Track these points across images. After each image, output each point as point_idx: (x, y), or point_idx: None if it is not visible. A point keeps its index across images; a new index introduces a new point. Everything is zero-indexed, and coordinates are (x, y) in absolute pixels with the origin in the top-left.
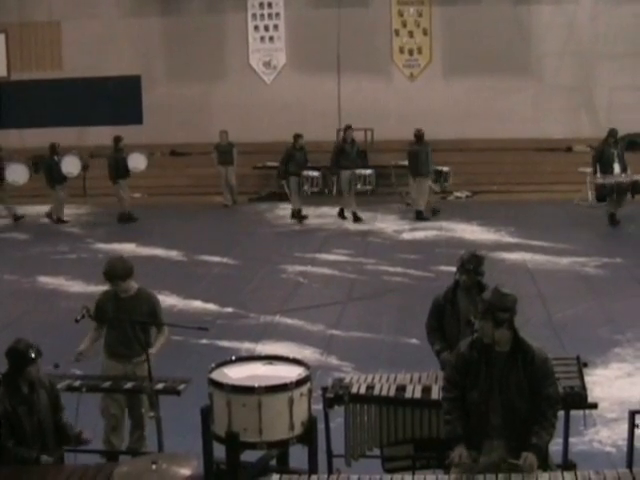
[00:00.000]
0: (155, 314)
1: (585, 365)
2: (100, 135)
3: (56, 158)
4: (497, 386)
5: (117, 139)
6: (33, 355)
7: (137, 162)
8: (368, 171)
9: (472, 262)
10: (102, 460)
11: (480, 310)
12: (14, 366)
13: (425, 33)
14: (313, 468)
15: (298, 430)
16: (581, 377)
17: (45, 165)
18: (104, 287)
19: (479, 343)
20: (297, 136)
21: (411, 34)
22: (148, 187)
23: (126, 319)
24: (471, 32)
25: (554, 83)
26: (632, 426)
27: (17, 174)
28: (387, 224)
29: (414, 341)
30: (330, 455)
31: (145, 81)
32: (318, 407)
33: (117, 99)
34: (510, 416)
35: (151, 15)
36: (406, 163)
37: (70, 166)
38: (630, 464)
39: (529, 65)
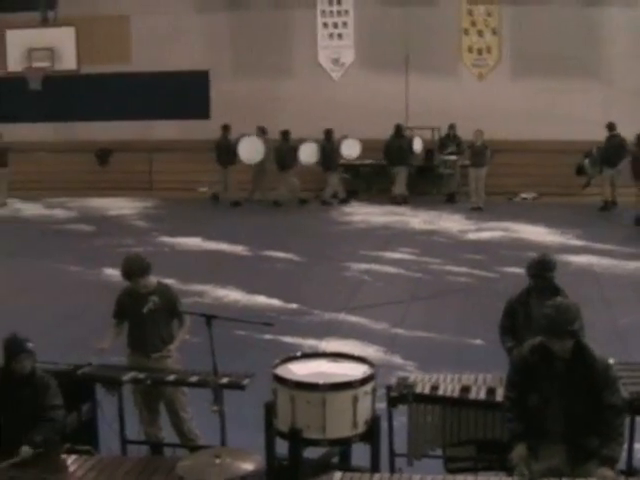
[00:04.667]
0: (175, 307)
1: None
2: (166, 129)
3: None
4: (557, 391)
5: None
6: (17, 351)
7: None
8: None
9: (536, 267)
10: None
11: (552, 330)
12: (4, 359)
13: (494, 33)
14: (375, 467)
15: (361, 428)
16: None
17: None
18: (168, 280)
19: (541, 347)
20: None
21: (480, 33)
22: (214, 182)
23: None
24: (540, 33)
25: (623, 86)
26: None
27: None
28: (452, 224)
29: (478, 342)
30: (392, 454)
31: (213, 76)
32: (381, 406)
33: (184, 93)
34: (570, 422)
35: (219, 10)
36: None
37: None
38: None
39: (598, 67)
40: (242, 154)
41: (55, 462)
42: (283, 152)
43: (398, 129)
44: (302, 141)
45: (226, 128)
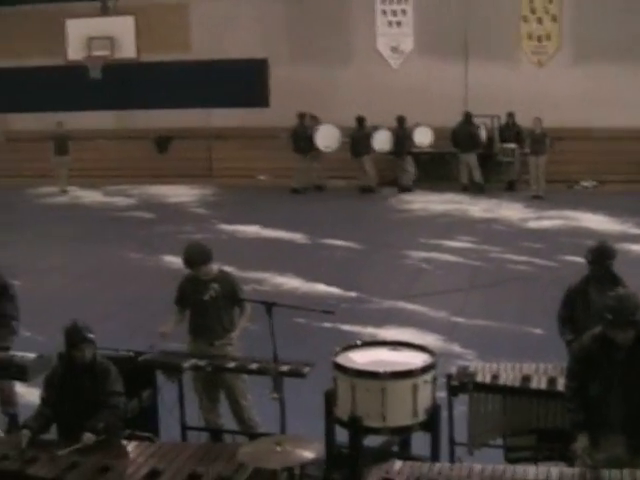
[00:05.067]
0: (236, 295)
1: None
2: (225, 117)
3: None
4: (618, 380)
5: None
6: (78, 339)
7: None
8: None
9: (595, 254)
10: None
11: (615, 321)
12: (66, 346)
13: (554, 19)
14: (435, 456)
15: (421, 417)
16: None
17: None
18: (227, 267)
19: (602, 337)
20: None
21: (540, 20)
22: (273, 169)
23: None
24: (601, 19)
25: None
26: None
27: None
28: (512, 212)
29: (538, 331)
30: (452, 443)
31: (271, 63)
32: (442, 394)
33: (243, 81)
34: (631, 411)
35: None
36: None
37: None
38: None
39: None
40: (319, 142)
41: (117, 448)
42: (358, 139)
43: (467, 116)
44: (376, 128)
45: (302, 116)
